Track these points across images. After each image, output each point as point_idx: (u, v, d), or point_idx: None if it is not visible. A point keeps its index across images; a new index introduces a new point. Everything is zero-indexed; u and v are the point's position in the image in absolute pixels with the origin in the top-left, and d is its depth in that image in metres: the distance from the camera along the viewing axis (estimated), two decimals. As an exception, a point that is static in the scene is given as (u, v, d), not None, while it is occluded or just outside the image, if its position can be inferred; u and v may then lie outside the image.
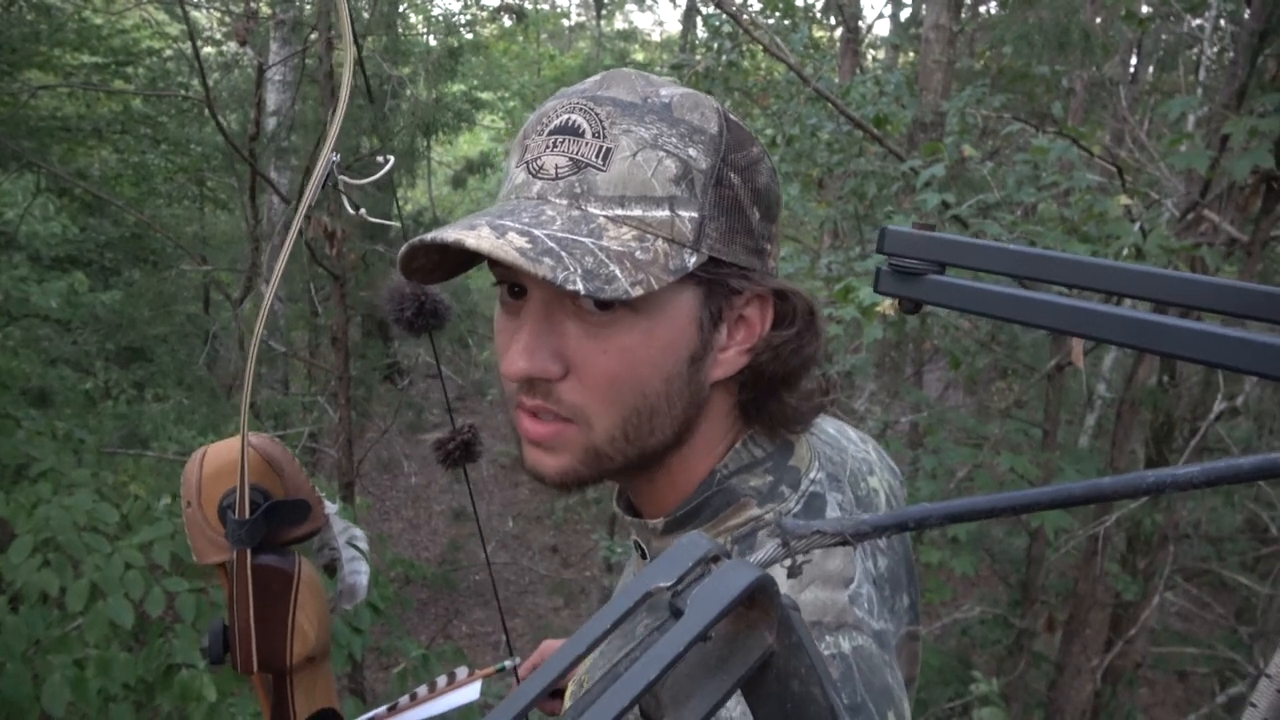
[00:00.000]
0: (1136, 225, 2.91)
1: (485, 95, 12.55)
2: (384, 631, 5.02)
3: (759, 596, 0.35)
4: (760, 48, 4.85)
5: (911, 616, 0.83)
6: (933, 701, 4.42)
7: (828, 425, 0.85)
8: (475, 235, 0.59)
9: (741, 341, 0.68)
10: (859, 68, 6.37)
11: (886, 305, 2.66)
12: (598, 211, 0.61)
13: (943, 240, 0.49)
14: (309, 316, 6.87)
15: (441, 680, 1.05)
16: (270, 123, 5.74)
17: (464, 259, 0.66)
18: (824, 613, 0.64)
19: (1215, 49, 5.69)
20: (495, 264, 0.64)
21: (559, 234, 0.59)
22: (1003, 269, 0.48)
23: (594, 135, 0.62)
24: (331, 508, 0.93)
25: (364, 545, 0.97)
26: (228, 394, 6.05)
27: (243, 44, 3.69)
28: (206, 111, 4.11)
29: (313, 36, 4.42)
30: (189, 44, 4.16)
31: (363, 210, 1.02)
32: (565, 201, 0.62)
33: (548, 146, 0.64)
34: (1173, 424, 3.92)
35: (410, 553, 9.30)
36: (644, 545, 0.75)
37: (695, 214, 0.63)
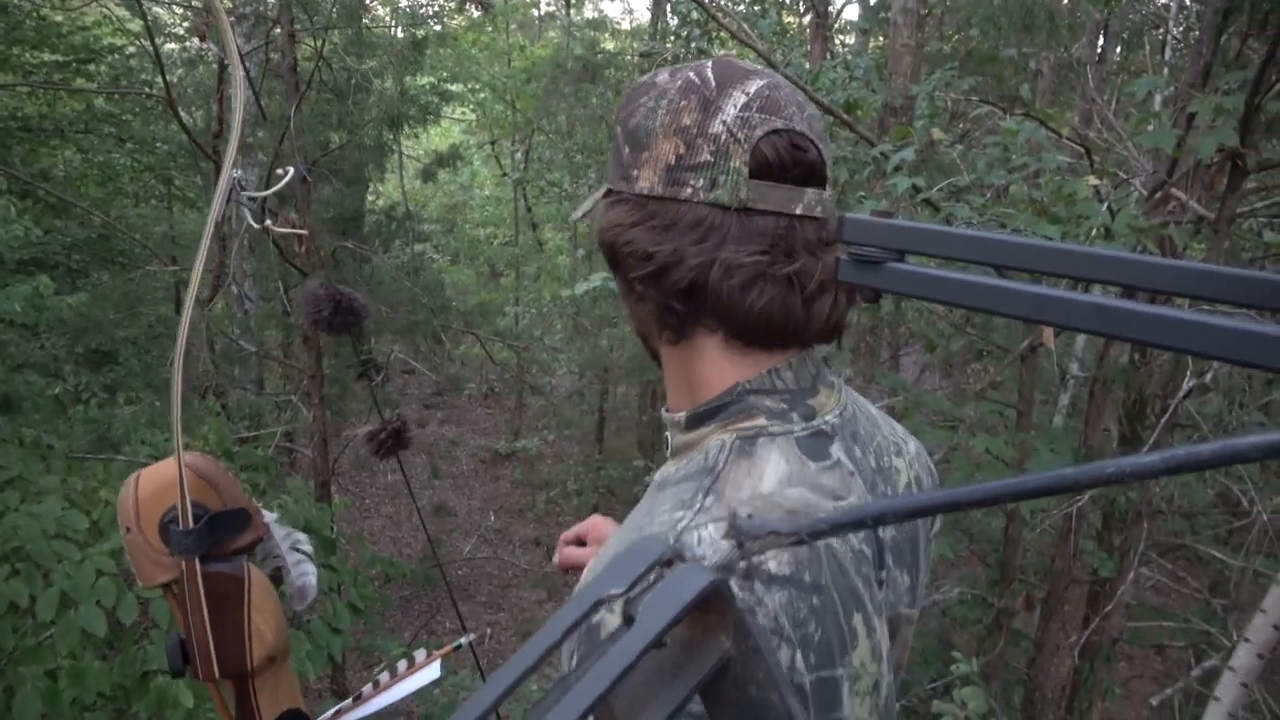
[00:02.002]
0: (1105, 205, 2.93)
1: (455, 88, 12.44)
2: (365, 631, 4.99)
3: (714, 600, 0.34)
4: (729, 34, 4.83)
5: (909, 600, 0.85)
6: (915, 683, 4.45)
7: (873, 409, 0.92)
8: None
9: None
10: (828, 53, 6.37)
11: (859, 291, 2.65)
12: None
13: (901, 227, 0.48)
14: (280, 316, 6.80)
15: (402, 665, 1.06)
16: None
17: None
18: (805, 506, 0.72)
19: (1180, 28, 5.73)
20: None
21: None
22: (963, 255, 0.47)
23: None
24: (270, 516, 0.94)
25: (308, 547, 0.98)
26: (201, 396, 5.99)
27: (203, 39, 3.63)
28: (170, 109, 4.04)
29: (276, 31, 4.36)
30: (152, 39, 4.09)
31: (269, 222, 1.02)
32: None
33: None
34: (1144, 401, 3.96)
35: (392, 550, 9.25)
36: (669, 438, 0.83)
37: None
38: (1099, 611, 4.17)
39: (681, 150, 0.75)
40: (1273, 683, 5.90)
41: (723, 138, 0.74)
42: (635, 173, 0.78)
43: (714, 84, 0.77)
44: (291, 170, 0.99)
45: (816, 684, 0.68)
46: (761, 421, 0.77)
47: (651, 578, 0.34)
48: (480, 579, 9.36)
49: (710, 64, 0.79)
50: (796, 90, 0.82)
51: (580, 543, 1.21)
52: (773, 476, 0.73)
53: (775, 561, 0.67)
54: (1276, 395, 4.73)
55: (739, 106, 0.75)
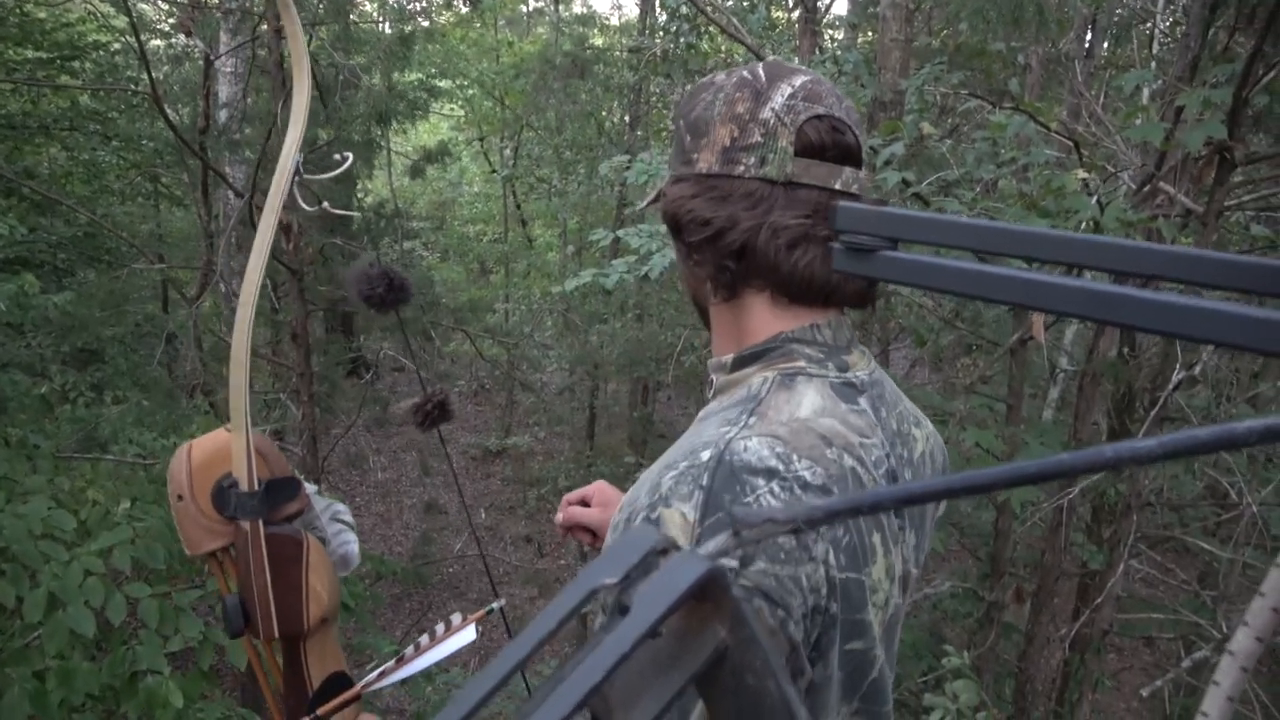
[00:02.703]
0: (1094, 199, 2.93)
1: (443, 84, 12.38)
2: (356, 629, 4.97)
3: (710, 589, 0.33)
4: (718, 29, 4.82)
5: (915, 560, 0.93)
6: (906, 676, 4.46)
7: (894, 385, 1.01)
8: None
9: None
10: (818, 48, 6.37)
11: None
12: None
13: (894, 215, 0.48)
14: (268, 313, 6.76)
15: (440, 628, 1.09)
16: (222, 115, 5.62)
17: None
18: (837, 437, 0.81)
19: (1168, 22, 5.75)
20: None
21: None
22: (955, 243, 0.47)
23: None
24: (311, 488, 0.97)
25: (348, 517, 1.02)
26: (189, 394, 5.95)
27: (188, 35, 3.60)
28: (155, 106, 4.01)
29: (263, 27, 4.33)
30: (137, 35, 4.05)
31: (325, 204, 1.04)
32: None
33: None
34: (1133, 395, 3.98)
35: (383, 548, 9.22)
36: (714, 379, 0.92)
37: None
38: (1089, 604, 4.19)
39: (735, 134, 0.86)
40: (1259, 673, 5.94)
41: (771, 122, 0.85)
42: (695, 156, 0.89)
43: (764, 79, 0.88)
44: (350, 156, 1.03)
45: (845, 583, 0.75)
46: (801, 364, 0.87)
47: (646, 566, 0.33)
48: (471, 576, 9.35)
49: (761, 65, 0.91)
50: (836, 85, 0.95)
51: (584, 504, 1.26)
52: (809, 407, 0.82)
53: (810, 472, 0.75)
54: (1263, 388, 4.76)
55: (785, 96, 0.86)
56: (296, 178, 0.90)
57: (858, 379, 0.89)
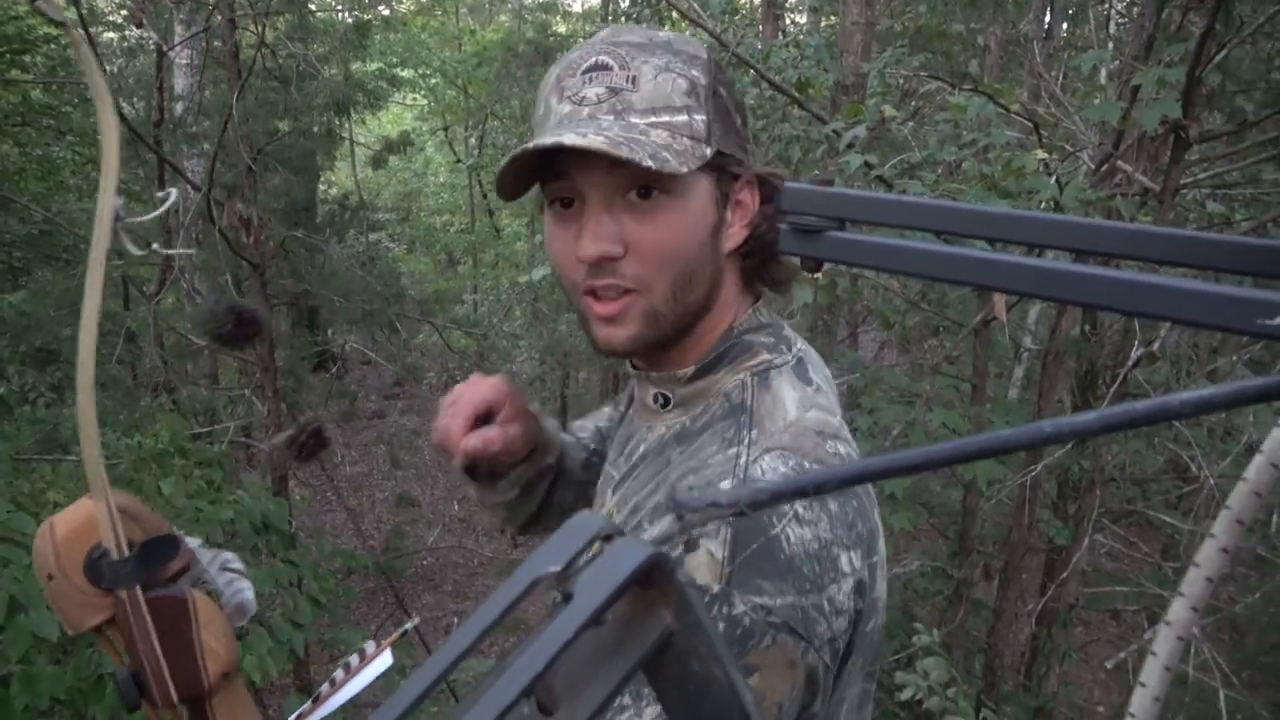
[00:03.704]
0: (1053, 178, 2.96)
1: (405, 73, 12.24)
2: (328, 625, 4.94)
3: (654, 575, 0.33)
4: (679, 14, 4.81)
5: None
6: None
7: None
8: (568, 138, 0.75)
9: (741, 218, 0.88)
10: (780, 32, 6.37)
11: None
12: (638, 120, 0.80)
13: (840, 195, 0.48)
14: (233, 308, 6.66)
15: (354, 660, 1.06)
16: (178, 108, 5.51)
17: (529, 178, 0.84)
18: (827, 427, 0.82)
19: (1124, 2, 5.82)
20: (551, 180, 0.82)
21: (621, 135, 0.76)
22: (901, 222, 0.47)
23: (620, 68, 0.81)
24: (194, 542, 0.92)
25: (238, 565, 0.96)
26: (152, 392, 5.86)
27: (139, 26, 3.53)
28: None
29: (216, 17, 4.25)
30: (86, 29, 3.96)
31: (155, 245, 1.00)
32: (612, 117, 0.80)
33: (585, 82, 0.81)
34: (1096, 372, 4.03)
35: (355, 542, 9.16)
36: (668, 395, 0.90)
37: (704, 118, 0.82)
38: (1055, 579, 4.25)
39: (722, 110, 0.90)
40: (1220, 641, 6.08)
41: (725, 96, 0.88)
42: (749, 145, 0.91)
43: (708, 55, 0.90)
44: (173, 193, 0.97)
45: (868, 575, 0.77)
46: (765, 356, 0.87)
47: (590, 553, 0.33)
48: (446, 568, 9.31)
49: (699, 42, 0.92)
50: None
51: (487, 419, 0.99)
52: (793, 403, 0.83)
53: None
54: (1221, 363, 4.85)
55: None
56: (118, 223, 0.86)
57: (802, 353, 0.90)
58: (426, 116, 15.58)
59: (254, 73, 4.88)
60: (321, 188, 10.24)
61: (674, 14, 5.50)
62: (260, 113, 5.50)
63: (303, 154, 7.91)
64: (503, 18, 15.27)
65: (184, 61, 5.77)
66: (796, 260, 0.83)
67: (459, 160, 14.11)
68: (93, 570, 0.83)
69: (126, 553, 0.82)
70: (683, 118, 0.81)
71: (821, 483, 0.35)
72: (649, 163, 0.73)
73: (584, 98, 0.80)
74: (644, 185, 0.79)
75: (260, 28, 4.55)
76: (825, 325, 4.84)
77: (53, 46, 7.55)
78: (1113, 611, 6.66)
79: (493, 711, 0.29)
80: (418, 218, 15.03)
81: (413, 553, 9.16)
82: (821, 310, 4.68)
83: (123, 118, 3.81)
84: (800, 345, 0.91)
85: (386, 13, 10.04)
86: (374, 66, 10.11)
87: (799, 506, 0.72)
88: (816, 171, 4.34)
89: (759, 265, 0.90)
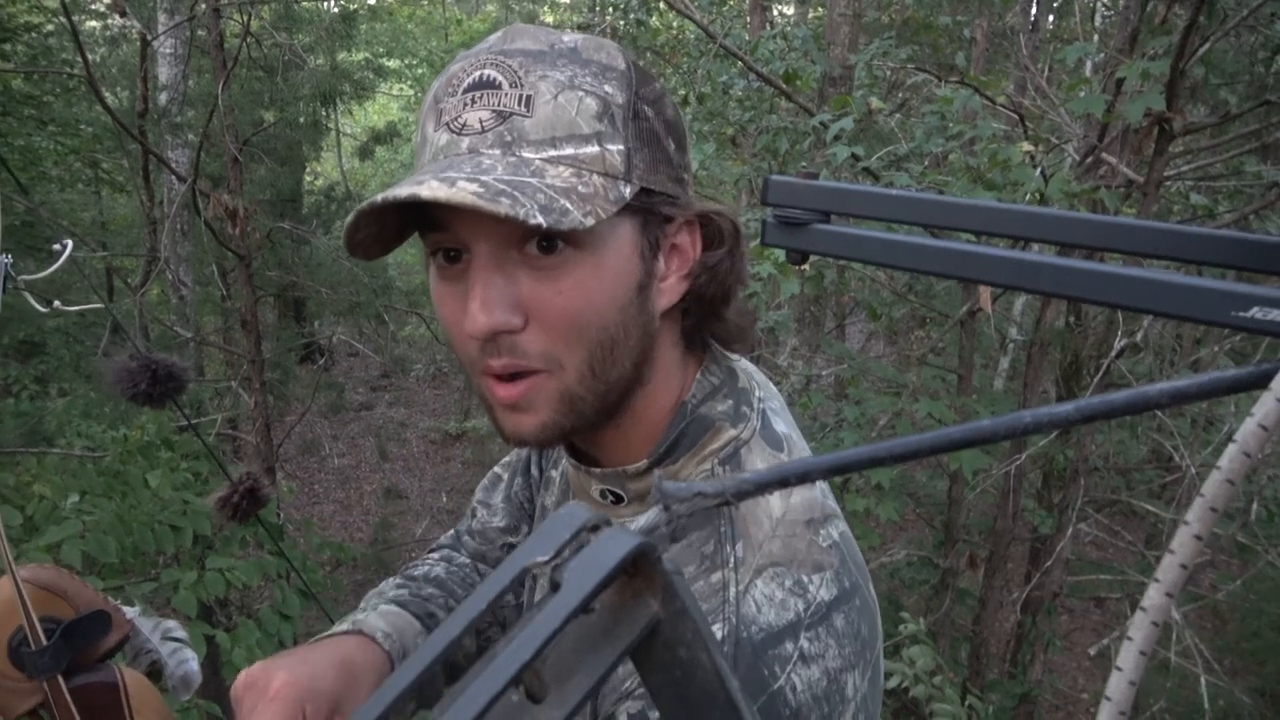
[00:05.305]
0: (1039, 170, 2.98)
1: (391, 63, 12.18)
2: (317, 617, 4.93)
3: (641, 563, 0.34)
4: (667, 5, 4.80)
5: None
6: (865, 644, 4.53)
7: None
8: (427, 188, 0.58)
9: (678, 268, 0.70)
10: (767, 23, 6.37)
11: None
12: (532, 155, 0.62)
13: (824, 188, 0.48)
14: (218, 300, 6.64)
15: None
16: (162, 98, 5.47)
17: (401, 229, 0.67)
18: (814, 510, 0.68)
19: (1109, -5, 5.83)
20: (430, 230, 0.65)
21: (504, 178, 0.60)
22: (886, 215, 0.47)
23: (511, 85, 0.63)
24: (133, 611, 0.88)
25: (181, 633, 0.92)
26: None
27: (122, 15, 3.50)
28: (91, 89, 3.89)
29: (200, 6, 4.22)
30: (69, 17, 3.93)
31: (56, 303, 0.98)
32: (498, 151, 0.62)
33: (467, 104, 0.64)
34: (1080, 363, 4.07)
35: (344, 534, 9.15)
36: (618, 490, 0.75)
37: (621, 147, 0.65)
38: (1040, 567, 4.29)
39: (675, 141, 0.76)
40: (1203, 629, 6.15)
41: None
42: (686, 175, 0.72)
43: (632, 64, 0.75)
44: (69, 245, 0.93)
45: (868, 683, 0.67)
46: (730, 432, 0.72)
47: (577, 544, 0.34)
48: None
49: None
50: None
51: None
52: (775, 496, 0.68)
53: (825, 587, 0.65)
54: (1204, 354, 4.89)
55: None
56: (10, 284, 0.82)
57: (763, 402, 0.75)
58: (413, 107, 15.50)
59: (239, 62, 4.85)
60: (308, 178, 10.19)
61: (661, 4, 5.49)
62: (246, 103, 5.47)
63: (289, 144, 7.87)
64: (489, 7, 15.20)
65: (168, 51, 5.72)
66: (749, 306, 0.73)
67: (446, 151, 14.04)
68: (15, 657, 0.79)
69: (44, 641, 0.78)
70: (592, 148, 0.63)
71: (806, 472, 0.35)
72: (537, 218, 0.57)
73: (464, 125, 0.63)
74: (545, 236, 0.62)
75: (245, 17, 4.52)
76: (813, 316, 4.85)
77: (33, 35, 7.47)
78: (1096, 599, 6.72)
79: (482, 700, 0.29)
80: (405, 209, 14.96)
81: (401, 544, 9.16)
82: (809, 301, 4.69)
83: (108, 108, 3.78)
84: (758, 390, 0.76)
85: (373, 2, 9.99)
86: (360, 56, 10.06)
87: (804, 642, 0.61)
88: (803, 163, 4.35)
89: (700, 322, 0.74)
